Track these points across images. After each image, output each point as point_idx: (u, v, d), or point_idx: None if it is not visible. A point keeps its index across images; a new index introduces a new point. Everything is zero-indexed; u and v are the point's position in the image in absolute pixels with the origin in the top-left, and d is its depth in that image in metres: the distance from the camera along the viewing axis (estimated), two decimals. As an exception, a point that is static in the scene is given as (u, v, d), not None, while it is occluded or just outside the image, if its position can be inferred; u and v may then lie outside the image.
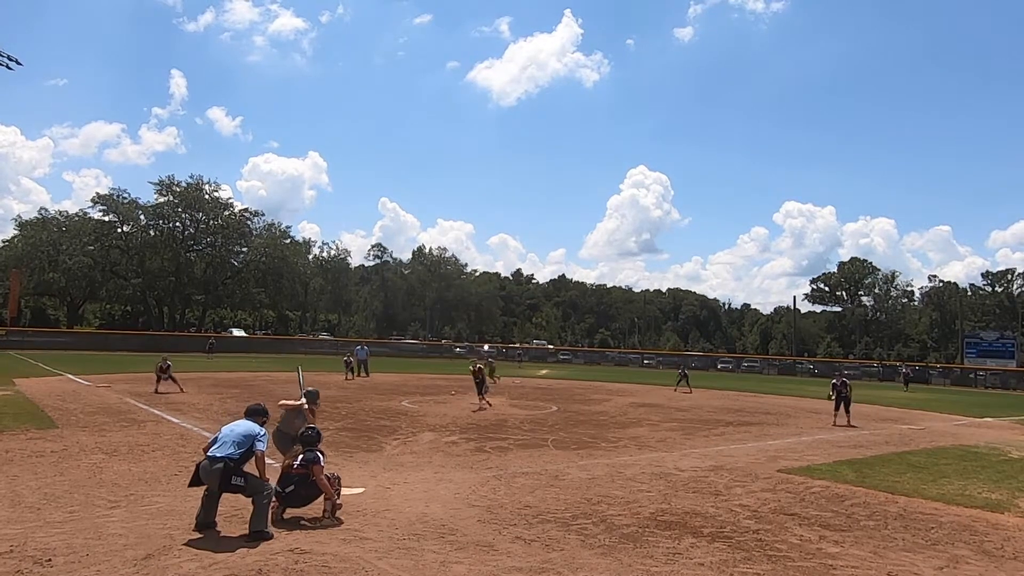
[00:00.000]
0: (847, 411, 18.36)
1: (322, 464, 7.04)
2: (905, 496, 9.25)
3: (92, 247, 69.33)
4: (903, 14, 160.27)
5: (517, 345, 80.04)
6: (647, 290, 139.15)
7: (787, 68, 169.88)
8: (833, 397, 18.72)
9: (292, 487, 6.90)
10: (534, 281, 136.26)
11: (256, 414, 6.96)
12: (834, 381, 18.91)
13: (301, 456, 7.05)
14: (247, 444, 6.55)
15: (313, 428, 7.44)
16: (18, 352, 40.51)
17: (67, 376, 24.84)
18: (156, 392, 19.60)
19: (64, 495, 7.60)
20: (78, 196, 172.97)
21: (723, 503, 8.44)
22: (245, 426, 6.71)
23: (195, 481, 6.58)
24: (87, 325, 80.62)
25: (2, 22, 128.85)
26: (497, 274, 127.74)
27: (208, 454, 6.49)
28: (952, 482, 10.45)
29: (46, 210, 74.86)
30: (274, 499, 6.81)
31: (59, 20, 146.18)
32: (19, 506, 7.08)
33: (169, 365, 20.93)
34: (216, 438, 6.67)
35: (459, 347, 74.43)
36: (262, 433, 6.72)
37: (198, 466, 6.56)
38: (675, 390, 28.90)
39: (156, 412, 15.44)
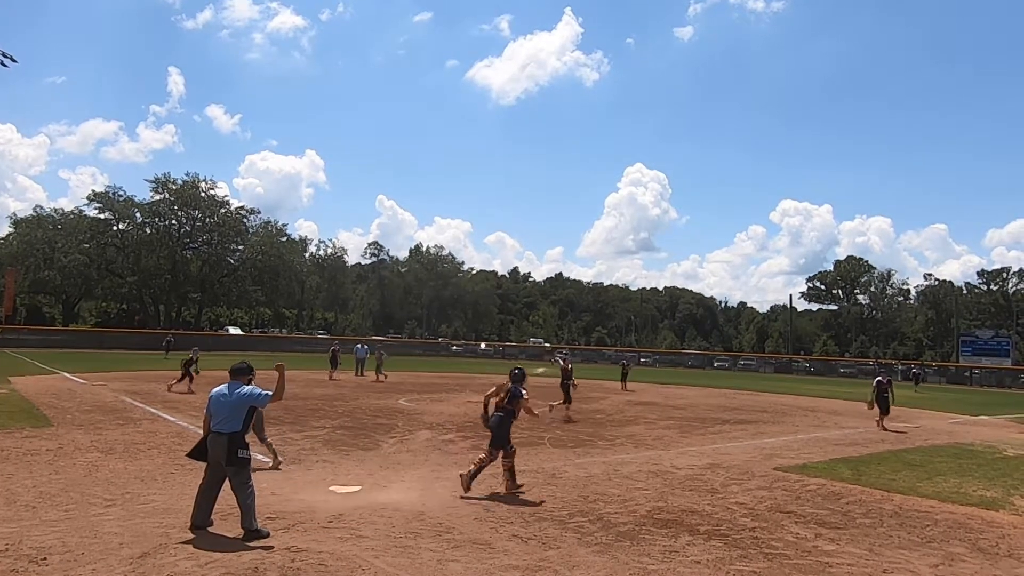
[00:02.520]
0: (886, 412, 17.28)
1: (525, 397, 8.68)
2: (901, 494, 9.28)
3: (88, 245, 69.04)
4: (900, 13, 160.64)
5: (562, 345, 78.98)
6: (644, 288, 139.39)
7: (785, 67, 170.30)
8: (874, 399, 17.29)
9: (497, 418, 8.52)
10: (531, 279, 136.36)
11: (241, 373, 6.76)
12: (880, 379, 17.71)
13: (509, 393, 8.62)
14: (244, 412, 6.47)
15: (520, 369, 9.05)
16: (13, 350, 40.37)
17: (63, 374, 24.77)
18: (169, 390, 19.18)
19: (60, 493, 7.58)
20: (75, 194, 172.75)
21: (719, 501, 8.46)
22: (236, 395, 6.52)
23: (196, 453, 6.60)
24: (83, 323, 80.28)
25: (0, 20, 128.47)
26: (494, 272, 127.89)
27: (213, 429, 6.45)
28: (947, 480, 10.49)
29: (41, 208, 74.70)
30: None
31: (57, 18, 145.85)
32: (14, 504, 7.06)
33: (196, 359, 20.14)
34: (211, 410, 6.54)
35: (456, 345, 74.45)
36: (257, 389, 6.57)
37: (204, 439, 6.54)
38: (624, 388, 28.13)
39: (152, 410, 15.40)
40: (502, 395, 8.71)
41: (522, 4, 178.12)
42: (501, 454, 8.47)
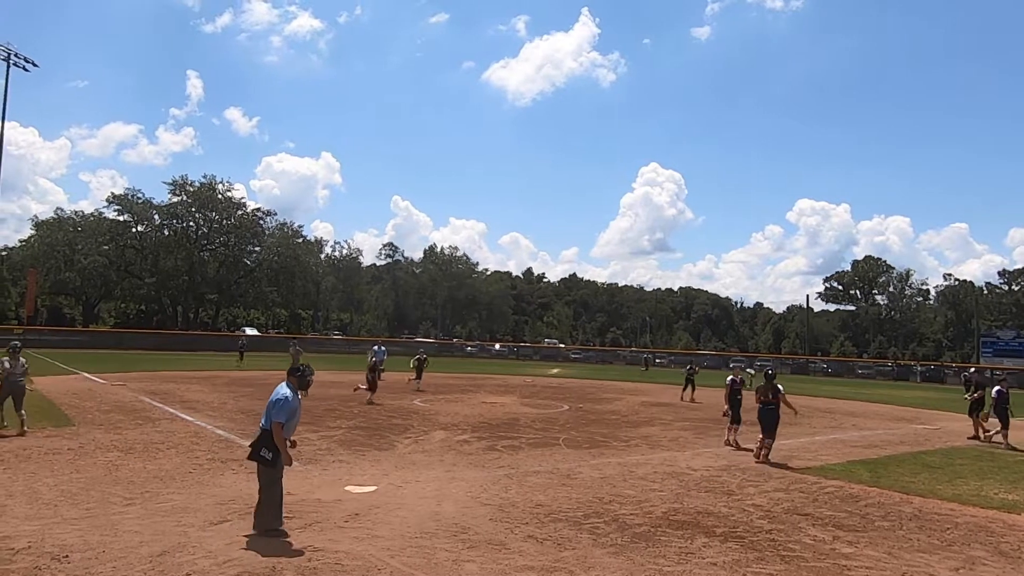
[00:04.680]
0: (1006, 426, 14.89)
1: (783, 393, 11.43)
2: (920, 496, 9.18)
3: (107, 247, 69.98)
4: (919, 11, 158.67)
5: (645, 349, 73.09)
6: (659, 289, 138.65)
7: (802, 66, 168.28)
8: (991, 411, 15.42)
9: (767, 410, 11.38)
10: (545, 280, 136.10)
11: (289, 374, 6.82)
12: (1000, 387, 15.59)
13: (770, 391, 11.43)
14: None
15: (772, 370, 12.31)
16: (35, 351, 40.84)
17: (83, 375, 25.10)
18: (371, 403, 18.46)
19: (80, 492, 7.68)
20: (95, 196, 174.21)
21: (736, 503, 8.41)
22: (273, 393, 6.62)
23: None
24: (102, 324, 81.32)
25: (23, 24, 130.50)
26: (508, 273, 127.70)
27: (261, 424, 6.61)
28: (968, 482, 10.36)
29: (62, 210, 75.80)
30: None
31: (79, 23, 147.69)
32: (37, 503, 7.17)
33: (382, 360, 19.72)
34: None
35: (470, 346, 74.57)
36: (283, 399, 6.47)
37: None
38: (683, 398, 23.72)
39: (170, 410, 15.57)
40: (767, 393, 11.45)
41: (539, 5, 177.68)
42: (764, 435, 11.44)
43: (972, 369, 17.75)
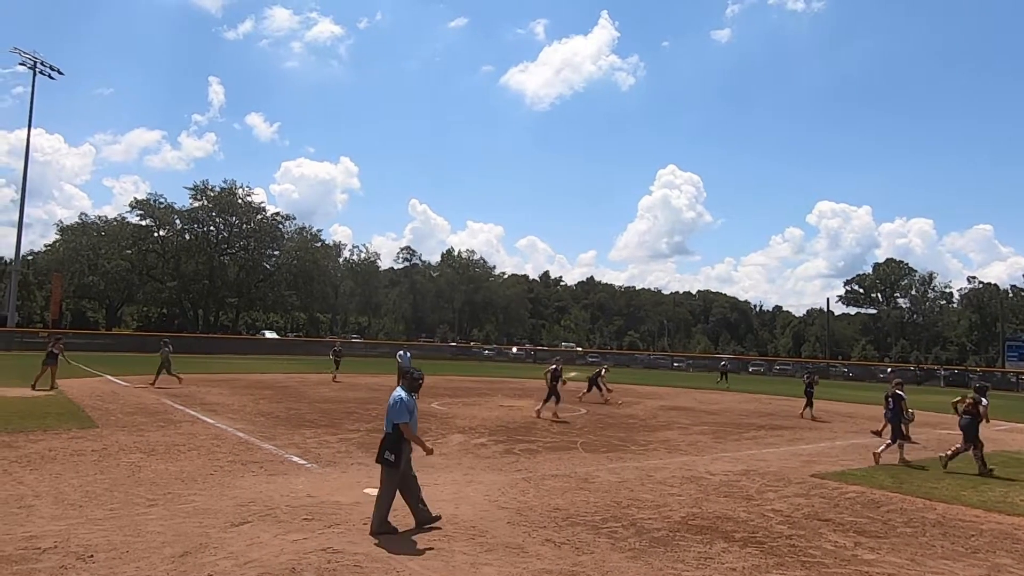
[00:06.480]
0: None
1: (985, 405, 11.55)
2: (944, 503, 9.05)
3: (130, 251, 71.07)
4: (939, 12, 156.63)
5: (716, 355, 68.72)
6: (677, 292, 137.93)
7: (823, 67, 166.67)
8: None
9: (967, 419, 11.53)
10: (562, 283, 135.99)
11: (401, 375, 7.10)
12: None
13: (974, 401, 11.53)
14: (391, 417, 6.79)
15: (983, 384, 12.02)
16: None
17: (106, 377, 25.49)
18: (556, 417, 17.47)
19: (104, 493, 7.80)
20: (118, 202, 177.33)
21: (755, 508, 8.34)
22: (390, 399, 6.87)
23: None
24: (125, 327, 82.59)
25: (49, 33, 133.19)
26: (525, 276, 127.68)
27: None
28: (993, 489, 10.19)
29: (86, 215, 77.17)
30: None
31: (104, 31, 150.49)
32: (62, 503, 7.29)
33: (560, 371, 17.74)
34: None
35: (487, 349, 74.67)
36: (399, 401, 6.76)
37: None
38: (803, 415, 20.43)
39: (192, 413, 15.74)
40: (968, 401, 11.63)
41: (558, 8, 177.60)
42: (972, 446, 11.43)
43: (889, 369, 16.99)
